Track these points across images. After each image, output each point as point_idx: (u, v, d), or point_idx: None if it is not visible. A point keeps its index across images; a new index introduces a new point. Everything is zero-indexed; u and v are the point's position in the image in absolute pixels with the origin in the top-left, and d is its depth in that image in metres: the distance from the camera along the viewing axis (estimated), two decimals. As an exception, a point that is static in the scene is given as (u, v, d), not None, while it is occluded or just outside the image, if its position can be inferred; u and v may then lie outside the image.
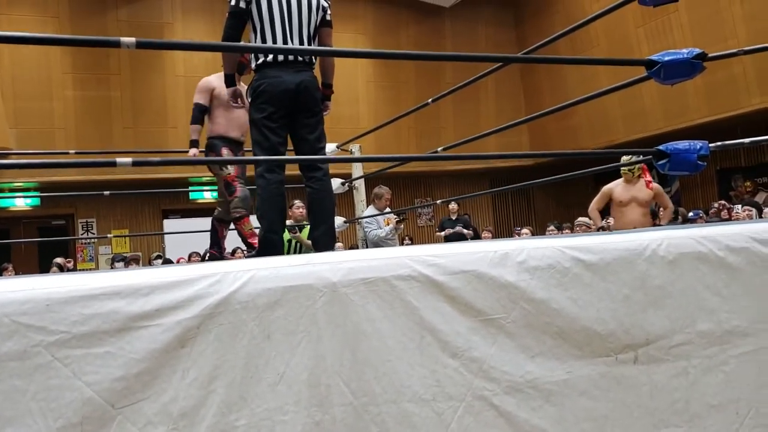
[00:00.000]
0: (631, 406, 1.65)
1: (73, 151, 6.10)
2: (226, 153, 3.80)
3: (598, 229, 5.36)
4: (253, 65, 2.90)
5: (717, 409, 1.71)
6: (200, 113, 3.85)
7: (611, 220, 5.53)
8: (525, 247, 1.65)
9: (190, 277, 1.37)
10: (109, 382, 1.26)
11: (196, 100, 3.85)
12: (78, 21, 9.77)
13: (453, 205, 8.45)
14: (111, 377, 1.26)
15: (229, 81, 3.04)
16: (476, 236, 9.89)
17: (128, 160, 1.79)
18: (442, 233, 8.34)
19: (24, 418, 1.20)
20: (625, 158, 4.84)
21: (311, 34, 2.93)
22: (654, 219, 5.42)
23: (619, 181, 5.04)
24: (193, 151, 3.84)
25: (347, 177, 5.53)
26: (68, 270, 7.79)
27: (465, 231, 8.19)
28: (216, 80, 3.88)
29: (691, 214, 7.46)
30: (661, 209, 5.30)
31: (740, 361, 1.75)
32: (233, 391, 1.35)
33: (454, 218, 8.55)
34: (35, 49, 9.24)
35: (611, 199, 5.07)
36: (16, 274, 7.42)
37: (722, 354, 1.74)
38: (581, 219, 7.81)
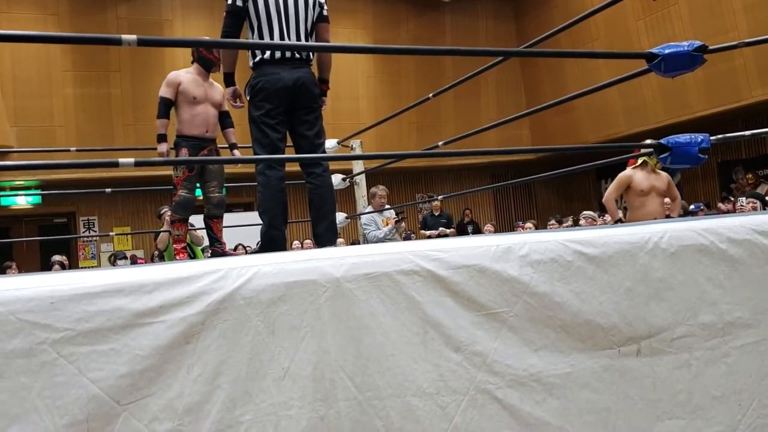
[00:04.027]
0: (634, 398, 1.66)
1: (74, 149, 6.09)
2: (183, 154, 3.81)
3: (616, 222, 4.81)
4: (250, 63, 2.91)
5: (720, 400, 1.72)
6: (165, 108, 3.81)
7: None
8: (527, 240, 1.65)
9: (194, 274, 1.37)
10: (115, 378, 1.26)
11: (162, 94, 3.81)
12: (77, 18, 9.76)
13: (436, 203, 8.41)
14: (116, 374, 1.26)
15: (228, 80, 3.04)
16: (477, 231, 9.88)
17: (130, 160, 1.79)
18: (428, 233, 8.27)
19: (30, 415, 1.21)
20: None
21: (308, 30, 2.93)
22: None
23: (636, 169, 4.66)
24: (162, 146, 3.79)
25: (348, 173, 5.53)
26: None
27: (447, 231, 8.12)
28: (184, 75, 3.88)
29: (692, 206, 7.45)
30: (668, 200, 4.95)
31: (742, 353, 1.76)
32: (238, 387, 1.36)
33: (437, 214, 8.50)
34: (35, 47, 9.23)
35: (629, 187, 4.68)
36: (19, 272, 7.44)
37: (724, 346, 1.75)
38: (587, 212, 7.78)
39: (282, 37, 2.86)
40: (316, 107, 2.99)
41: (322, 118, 3.05)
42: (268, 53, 2.84)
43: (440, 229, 8.11)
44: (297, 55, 2.87)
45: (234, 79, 3.04)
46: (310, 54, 2.96)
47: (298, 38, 2.89)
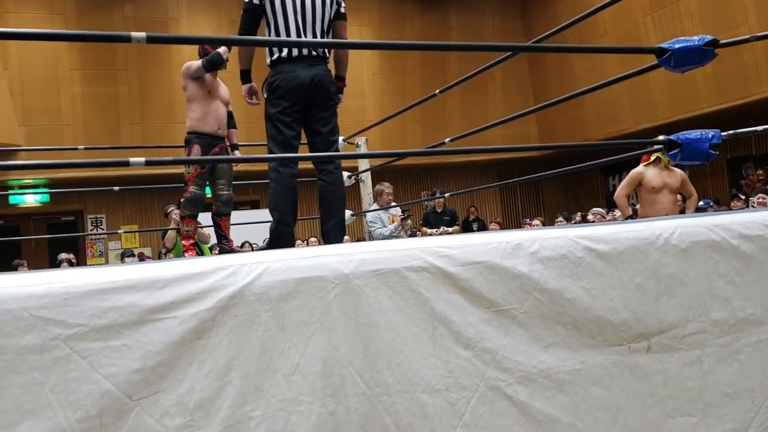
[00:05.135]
0: (644, 395, 1.65)
1: (82, 147, 6.11)
2: (196, 151, 3.82)
3: (626, 218, 4.83)
4: (267, 61, 2.92)
5: (731, 397, 1.71)
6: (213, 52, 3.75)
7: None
8: (537, 237, 1.65)
9: (205, 270, 1.38)
10: (127, 374, 1.27)
11: (194, 69, 3.79)
12: (84, 17, 9.80)
13: (439, 199, 8.23)
14: (128, 369, 1.27)
15: (245, 77, 3.04)
16: (483, 228, 9.83)
17: (141, 159, 1.80)
18: (429, 231, 8.10)
19: (43, 410, 1.22)
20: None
21: (325, 28, 2.93)
22: None
23: (649, 166, 4.63)
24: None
25: (352, 170, 5.53)
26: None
27: (450, 229, 7.96)
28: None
29: (701, 203, 7.40)
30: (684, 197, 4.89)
31: (755, 350, 1.75)
32: (248, 382, 1.36)
33: (439, 211, 8.28)
34: (42, 46, 9.28)
35: (640, 184, 4.66)
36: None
37: (736, 342, 1.74)
38: (596, 209, 7.75)
39: (299, 35, 2.86)
40: (332, 104, 3.00)
41: (337, 116, 3.05)
42: (285, 51, 2.84)
43: (442, 228, 7.97)
44: (314, 53, 2.87)
45: (250, 76, 3.04)
46: (327, 51, 2.96)
47: (315, 36, 2.89)
